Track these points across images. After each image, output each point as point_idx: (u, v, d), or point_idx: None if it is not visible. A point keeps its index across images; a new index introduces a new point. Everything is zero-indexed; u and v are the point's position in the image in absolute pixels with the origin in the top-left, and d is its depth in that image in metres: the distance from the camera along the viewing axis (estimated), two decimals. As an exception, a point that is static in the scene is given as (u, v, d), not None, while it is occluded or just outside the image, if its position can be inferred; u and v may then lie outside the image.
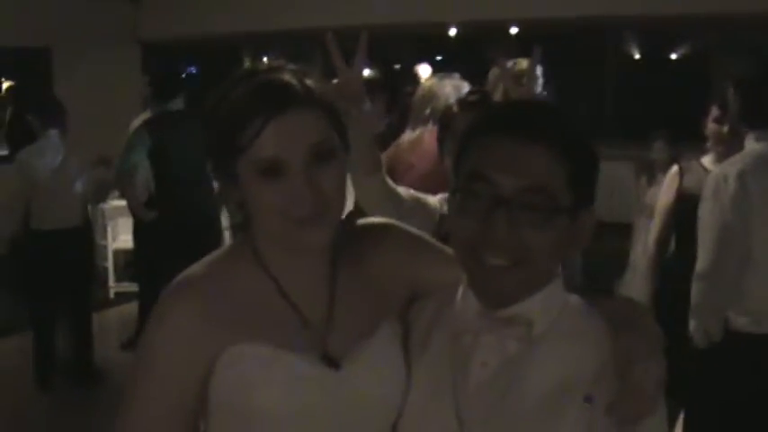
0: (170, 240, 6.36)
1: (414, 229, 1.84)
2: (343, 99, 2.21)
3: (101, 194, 7.21)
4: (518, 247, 1.47)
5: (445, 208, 2.85)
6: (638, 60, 13.99)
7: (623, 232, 7.42)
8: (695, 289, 3.61)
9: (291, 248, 1.62)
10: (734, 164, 3.59)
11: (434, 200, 2.88)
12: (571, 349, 1.54)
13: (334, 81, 2.33)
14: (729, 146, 4.30)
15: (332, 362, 1.59)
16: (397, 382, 1.63)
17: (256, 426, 1.58)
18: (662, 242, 4.51)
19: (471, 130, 1.58)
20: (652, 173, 6.98)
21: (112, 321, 8.39)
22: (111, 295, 9.12)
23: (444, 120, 3.03)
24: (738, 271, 3.52)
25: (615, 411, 1.47)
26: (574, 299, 1.62)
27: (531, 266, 1.50)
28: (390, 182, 2.63)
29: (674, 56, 13.88)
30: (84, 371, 6.83)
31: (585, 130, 1.55)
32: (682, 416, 3.88)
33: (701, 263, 3.58)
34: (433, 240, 1.83)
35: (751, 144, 3.58)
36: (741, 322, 3.54)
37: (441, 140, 3.02)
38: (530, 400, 1.51)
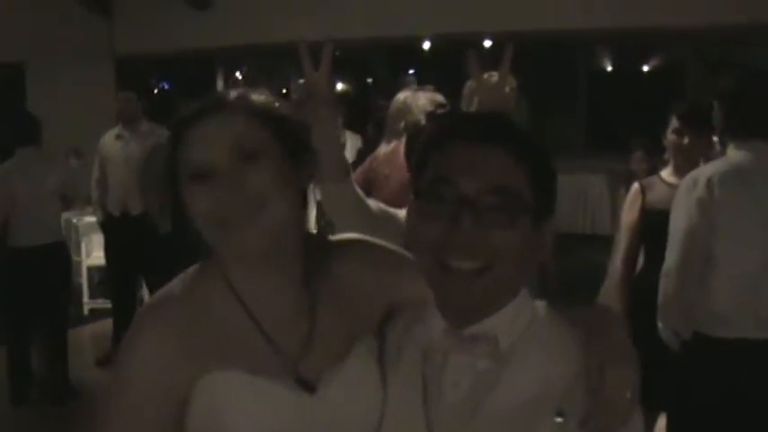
0: (140, 257, 6.37)
1: (389, 245, 1.83)
2: (311, 101, 2.25)
3: (70, 188, 7.02)
4: (484, 249, 1.47)
5: None
6: (610, 73, 14.06)
7: (595, 244, 7.46)
8: (662, 288, 3.66)
9: (233, 258, 1.60)
10: (707, 169, 3.65)
11: (403, 213, 2.89)
12: (541, 364, 1.53)
13: (300, 81, 2.35)
14: (688, 157, 4.35)
15: (307, 386, 1.58)
16: (373, 402, 1.62)
17: None
18: (629, 260, 4.55)
19: (432, 137, 1.59)
20: (630, 184, 6.99)
21: (87, 338, 8.34)
22: (86, 312, 9.06)
23: (413, 133, 3.02)
24: (702, 271, 3.57)
25: (588, 424, 1.46)
26: (543, 310, 1.62)
27: (497, 271, 1.49)
28: (360, 191, 2.62)
29: (646, 68, 13.97)
30: (59, 387, 6.78)
31: (543, 143, 1.57)
32: (659, 422, 3.91)
33: (668, 262, 3.64)
34: (409, 255, 1.79)
35: (731, 152, 3.64)
36: (707, 325, 3.59)
37: (408, 154, 3.01)
38: (501, 417, 1.50)
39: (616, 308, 4.33)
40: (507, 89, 2.79)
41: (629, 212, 4.54)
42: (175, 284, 1.66)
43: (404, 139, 3.82)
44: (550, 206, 1.55)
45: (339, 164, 2.46)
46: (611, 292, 4.60)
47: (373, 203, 2.74)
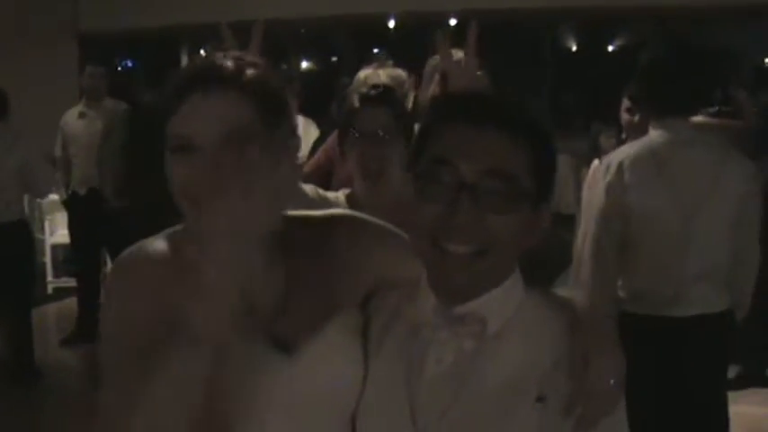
0: (105, 234, 6.35)
1: (380, 221, 1.81)
2: None
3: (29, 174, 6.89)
4: (481, 234, 1.47)
5: (342, 200, 2.84)
6: (574, 52, 14.11)
7: (561, 223, 7.47)
8: (583, 273, 3.71)
9: (202, 234, 1.61)
10: (621, 152, 3.69)
11: (333, 195, 2.87)
12: (526, 348, 1.54)
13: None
14: (642, 134, 4.41)
15: (282, 346, 1.58)
16: (351, 373, 1.63)
17: None
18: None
19: (433, 117, 1.58)
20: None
21: (51, 317, 8.30)
22: (50, 291, 9.02)
23: (346, 115, 2.95)
24: (620, 253, 3.62)
25: (572, 411, 1.48)
26: (533, 296, 1.62)
27: (493, 256, 1.49)
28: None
29: (610, 48, 14.02)
30: (23, 368, 6.74)
31: (544, 125, 1.57)
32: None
33: (586, 245, 3.68)
34: (398, 232, 1.77)
35: (650, 132, 3.66)
36: (629, 303, 3.65)
37: (342, 137, 2.94)
38: (483, 398, 1.51)
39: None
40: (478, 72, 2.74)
41: (591, 190, 4.56)
42: (149, 243, 1.68)
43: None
44: (549, 190, 1.55)
45: None
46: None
47: (310, 188, 2.72)
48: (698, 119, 3.72)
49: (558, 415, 1.48)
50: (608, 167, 3.61)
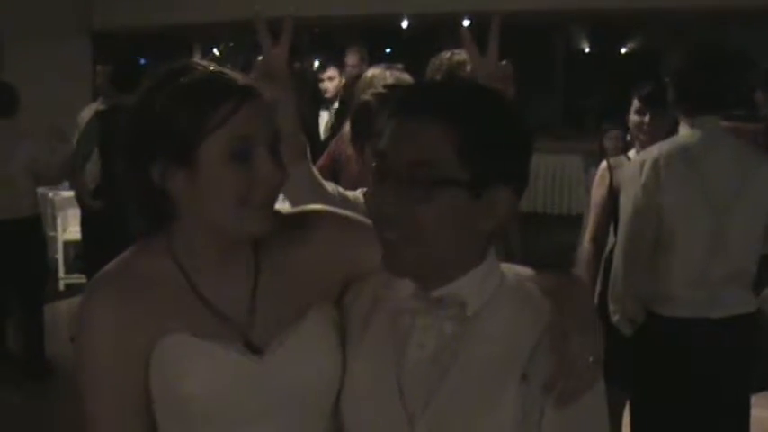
0: (116, 232, 6.29)
1: (353, 215, 1.84)
2: (265, 78, 2.17)
3: (42, 166, 6.85)
4: (406, 221, 1.49)
5: (360, 200, 2.83)
6: (587, 54, 14.09)
7: (572, 225, 7.49)
8: (613, 273, 3.72)
9: (231, 239, 1.64)
10: (653, 151, 3.67)
11: (352, 194, 2.86)
12: (507, 328, 1.56)
13: (259, 58, 2.29)
14: (651, 136, 4.39)
15: (254, 348, 1.61)
16: (328, 366, 1.65)
17: (190, 414, 1.60)
18: (596, 239, 4.57)
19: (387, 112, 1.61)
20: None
21: (63, 314, 8.30)
22: (62, 287, 9.04)
23: (361, 114, 2.93)
24: (652, 254, 3.62)
25: (552, 387, 1.49)
26: (511, 275, 1.64)
27: (423, 242, 1.51)
28: (316, 173, 2.57)
29: (623, 50, 14.00)
30: (35, 363, 6.77)
31: (494, 110, 1.55)
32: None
33: (618, 246, 3.70)
34: (367, 221, 1.80)
35: (681, 130, 3.67)
36: (659, 305, 3.64)
37: (359, 135, 2.92)
38: (469, 379, 1.53)
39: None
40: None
41: (598, 190, 4.56)
42: (117, 260, 1.69)
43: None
44: (501, 173, 1.53)
45: (295, 145, 2.39)
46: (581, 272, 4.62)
47: (331, 186, 2.72)
48: (724, 122, 3.71)
49: (540, 392, 1.50)
50: (642, 165, 3.60)
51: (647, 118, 4.52)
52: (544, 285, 1.62)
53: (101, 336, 1.61)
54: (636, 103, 4.59)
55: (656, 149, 3.68)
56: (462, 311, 1.56)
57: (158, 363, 1.60)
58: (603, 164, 4.64)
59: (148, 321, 1.59)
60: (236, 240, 1.64)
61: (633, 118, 4.61)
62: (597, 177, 4.63)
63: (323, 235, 1.75)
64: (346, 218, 1.83)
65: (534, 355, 1.52)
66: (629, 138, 4.72)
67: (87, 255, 7.21)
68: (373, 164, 1.56)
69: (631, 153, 4.63)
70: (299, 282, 1.70)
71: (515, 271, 1.66)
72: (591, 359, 1.51)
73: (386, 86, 3.13)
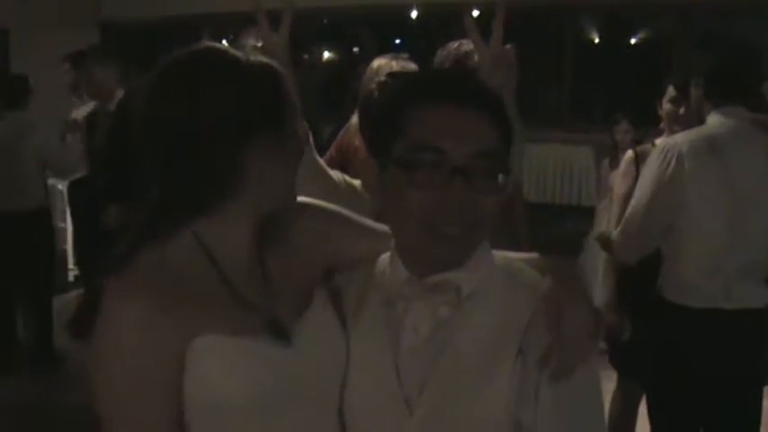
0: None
1: (331, 205, 1.85)
2: None
3: (51, 156, 6.89)
4: (472, 212, 1.50)
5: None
6: (597, 44, 14.04)
7: (581, 215, 7.46)
8: (623, 226, 3.76)
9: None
10: (680, 138, 3.66)
11: (359, 183, 2.84)
12: (501, 307, 1.58)
13: (258, 44, 2.29)
14: (686, 127, 4.35)
15: (283, 337, 1.59)
16: (339, 351, 1.66)
17: (226, 413, 1.56)
18: None
19: (400, 100, 1.59)
20: (615, 155, 6.89)
21: (72, 304, 8.33)
22: (71, 278, 9.05)
23: (365, 104, 2.92)
24: (659, 240, 3.67)
25: (547, 362, 1.50)
26: (503, 257, 1.67)
27: (481, 231, 1.55)
28: (320, 160, 2.57)
29: (633, 40, 13.94)
30: (43, 354, 6.79)
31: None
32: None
33: (635, 206, 3.70)
34: (350, 214, 1.85)
35: (708, 119, 3.66)
36: (674, 294, 3.64)
37: (362, 125, 2.91)
38: (464, 359, 1.54)
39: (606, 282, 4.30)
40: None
41: (624, 181, 4.47)
42: (139, 257, 1.59)
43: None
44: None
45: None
46: (588, 264, 4.60)
47: (337, 175, 2.71)
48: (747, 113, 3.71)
49: (535, 367, 1.52)
50: (667, 151, 3.59)
51: (682, 109, 4.46)
52: (539, 265, 1.65)
53: (128, 336, 1.52)
54: (671, 92, 4.53)
55: (680, 137, 3.67)
56: (458, 296, 1.57)
57: (192, 367, 1.54)
58: (630, 153, 4.56)
59: (183, 316, 1.54)
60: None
61: (667, 107, 4.54)
62: (622, 168, 4.54)
63: (311, 225, 1.77)
64: (328, 208, 1.85)
65: (530, 332, 1.54)
66: (661, 125, 4.65)
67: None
68: (402, 159, 1.53)
69: (659, 141, 4.55)
70: (297, 270, 1.71)
71: (504, 255, 1.69)
72: (584, 333, 1.52)
73: (389, 75, 3.12)
